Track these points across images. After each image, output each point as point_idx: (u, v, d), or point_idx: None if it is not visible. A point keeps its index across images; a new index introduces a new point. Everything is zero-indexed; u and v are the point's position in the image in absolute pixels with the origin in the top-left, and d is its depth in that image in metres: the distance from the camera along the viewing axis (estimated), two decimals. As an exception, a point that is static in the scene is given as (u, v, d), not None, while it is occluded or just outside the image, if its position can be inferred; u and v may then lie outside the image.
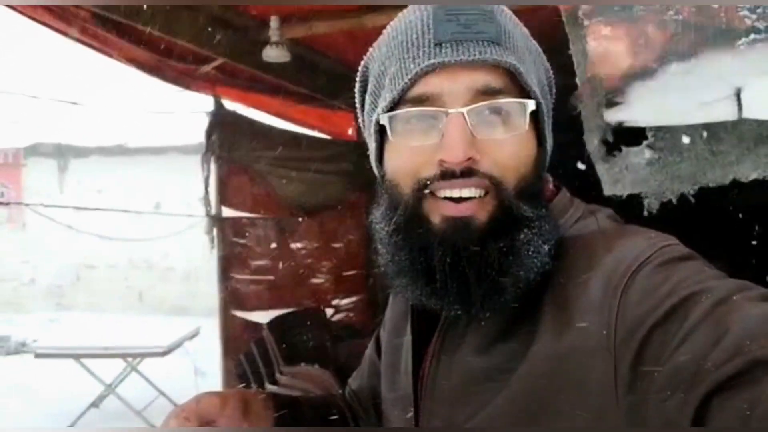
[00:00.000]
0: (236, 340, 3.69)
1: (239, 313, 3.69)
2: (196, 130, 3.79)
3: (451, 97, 0.72)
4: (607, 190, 1.03)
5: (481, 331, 0.77)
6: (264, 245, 3.90)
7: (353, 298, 4.91)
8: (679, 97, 0.99)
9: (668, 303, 0.63)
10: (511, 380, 0.72)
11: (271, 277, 3.94)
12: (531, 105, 0.74)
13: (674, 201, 0.96)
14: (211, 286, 4.05)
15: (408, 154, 0.75)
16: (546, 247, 0.73)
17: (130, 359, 5.39)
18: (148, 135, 10.11)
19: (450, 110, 0.72)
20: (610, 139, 1.02)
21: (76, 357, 5.22)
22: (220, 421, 0.84)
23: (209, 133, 3.55)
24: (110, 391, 5.25)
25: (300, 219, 4.23)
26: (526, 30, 0.80)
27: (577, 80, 1.07)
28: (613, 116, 1.04)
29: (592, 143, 1.04)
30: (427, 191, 0.74)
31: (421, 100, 0.73)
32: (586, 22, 1.02)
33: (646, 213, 0.97)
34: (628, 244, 0.71)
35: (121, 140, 10.71)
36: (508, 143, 0.73)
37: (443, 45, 0.72)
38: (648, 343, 0.63)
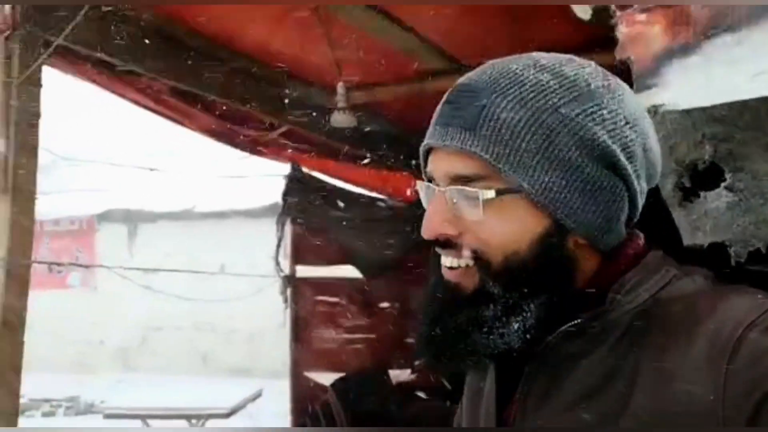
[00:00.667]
0: (305, 401, 3.67)
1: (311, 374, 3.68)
2: (264, 195, 3.89)
3: (440, 174, 0.78)
4: (687, 240, 1.00)
5: (568, 387, 0.75)
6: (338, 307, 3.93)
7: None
8: (726, 72, 0.93)
9: None
10: None
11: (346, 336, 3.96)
12: (487, 194, 0.74)
13: (763, 249, 0.90)
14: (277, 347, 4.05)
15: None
16: (517, 326, 0.75)
17: (194, 420, 5.44)
18: (214, 199, 10.42)
19: (437, 188, 0.79)
20: (687, 183, 0.98)
21: (143, 417, 5.30)
22: None
23: (285, 195, 3.66)
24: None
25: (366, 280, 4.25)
26: (546, 101, 0.73)
27: None
28: (648, 100, 0.98)
29: (665, 188, 1.01)
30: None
31: (427, 176, 0.81)
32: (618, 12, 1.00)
33: (733, 263, 0.91)
34: (733, 306, 0.69)
35: (189, 205, 11.06)
36: (487, 222, 0.75)
37: (436, 127, 0.78)
38: (762, 412, 0.61)
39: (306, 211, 3.78)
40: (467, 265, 0.77)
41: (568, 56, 0.79)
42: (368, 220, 4.37)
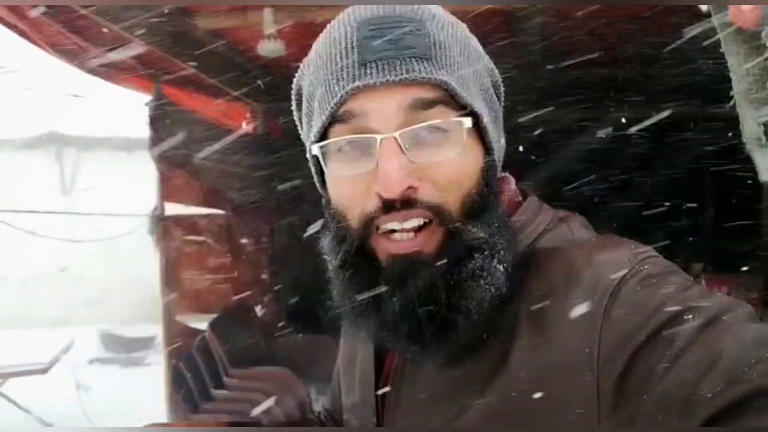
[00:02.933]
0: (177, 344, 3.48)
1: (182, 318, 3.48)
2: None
3: (381, 119, 0.68)
4: (764, 176, 1.17)
5: (450, 342, 0.71)
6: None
7: (269, 296, 4.82)
8: None
9: (654, 322, 0.61)
10: (484, 393, 0.69)
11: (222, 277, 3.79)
12: (468, 122, 0.69)
13: None
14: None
15: (347, 185, 0.72)
16: (501, 268, 0.69)
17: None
18: None
19: (381, 135, 0.67)
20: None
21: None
22: None
23: (152, 125, 3.32)
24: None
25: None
26: (463, 30, 0.75)
27: (734, 93, 1.19)
28: None
29: (752, 130, 1.16)
30: (373, 226, 0.70)
31: (351, 125, 0.69)
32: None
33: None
34: (609, 257, 0.68)
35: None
36: (447, 163, 0.69)
37: (368, 65, 0.67)
38: (634, 364, 0.60)
39: (170, 143, 3.48)
40: (424, 224, 0.69)
41: None
42: (228, 154, 4.17)
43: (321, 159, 0.73)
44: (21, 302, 9.84)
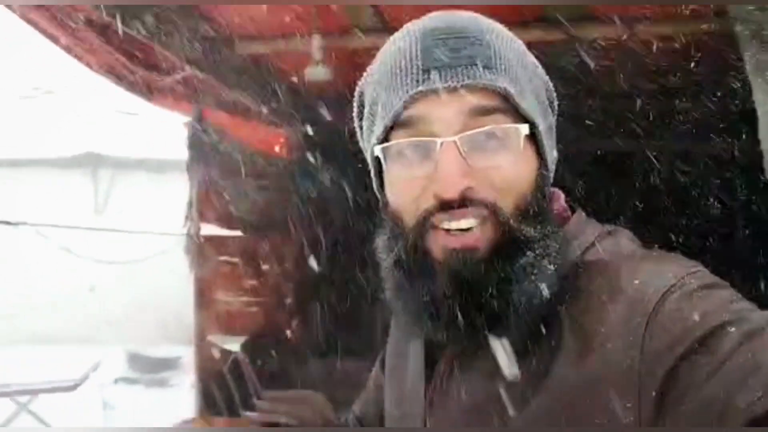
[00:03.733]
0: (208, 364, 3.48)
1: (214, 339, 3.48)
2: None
3: (442, 124, 0.70)
4: None
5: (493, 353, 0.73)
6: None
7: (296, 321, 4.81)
8: None
9: (697, 333, 0.61)
10: (528, 404, 0.70)
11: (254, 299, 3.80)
12: (525, 129, 0.72)
13: None
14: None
15: (405, 186, 0.74)
16: (552, 268, 0.71)
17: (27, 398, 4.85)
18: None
19: (442, 139, 0.70)
20: None
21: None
22: None
23: (191, 147, 3.36)
24: None
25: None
26: (521, 45, 0.78)
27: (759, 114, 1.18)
28: None
29: None
30: (429, 224, 0.72)
31: (413, 129, 0.72)
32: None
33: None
34: (654, 270, 0.69)
35: None
36: (504, 167, 0.71)
37: (431, 71, 0.70)
38: (675, 374, 0.61)
39: (208, 164, 3.53)
40: (479, 224, 0.71)
41: None
42: (256, 176, 4.21)
43: (383, 160, 0.75)
44: (51, 320, 9.95)
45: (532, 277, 0.70)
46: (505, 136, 0.71)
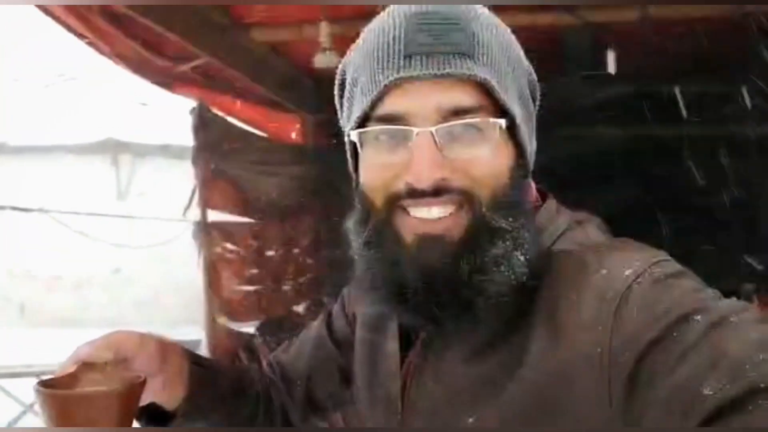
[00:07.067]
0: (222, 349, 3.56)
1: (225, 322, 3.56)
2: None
3: (420, 113, 0.70)
4: None
5: (468, 340, 0.75)
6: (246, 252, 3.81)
7: (306, 303, 4.89)
8: None
9: (664, 322, 0.62)
10: (501, 393, 0.71)
11: (255, 288, 3.86)
12: (503, 123, 0.72)
13: None
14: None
15: (378, 170, 0.74)
16: (523, 259, 0.72)
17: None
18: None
19: (418, 129, 0.70)
20: None
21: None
22: (136, 360, 0.80)
23: (196, 134, 3.42)
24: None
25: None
26: (505, 32, 0.78)
27: None
28: None
29: None
30: (397, 207, 0.73)
31: (390, 116, 0.71)
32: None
33: None
34: (621, 259, 0.70)
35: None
36: (480, 159, 0.71)
37: (413, 57, 0.69)
38: (643, 363, 0.62)
39: (214, 151, 3.58)
40: (453, 212, 0.71)
41: None
42: (265, 164, 4.26)
43: (358, 145, 0.76)
44: (75, 303, 10.18)
45: (503, 268, 0.71)
46: (483, 128, 0.71)
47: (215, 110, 3.83)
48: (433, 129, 0.69)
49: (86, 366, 0.76)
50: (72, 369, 0.76)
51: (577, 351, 0.67)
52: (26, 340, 7.79)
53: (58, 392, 0.71)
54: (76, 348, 0.79)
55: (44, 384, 0.71)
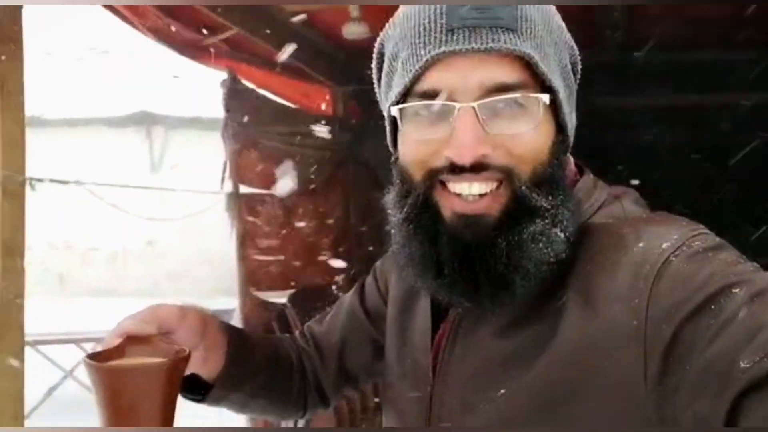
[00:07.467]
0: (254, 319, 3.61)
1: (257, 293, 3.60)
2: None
3: (462, 90, 0.69)
4: None
5: (501, 314, 0.74)
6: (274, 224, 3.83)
7: (338, 275, 4.91)
8: None
9: (702, 295, 0.61)
10: (533, 366, 0.70)
11: (286, 258, 3.88)
12: (545, 98, 0.71)
13: None
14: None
15: (418, 146, 0.73)
16: (562, 236, 0.71)
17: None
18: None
19: (460, 104, 0.69)
20: None
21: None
22: (178, 333, 0.83)
23: (227, 107, 3.42)
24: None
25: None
26: (548, 7, 0.76)
27: None
28: None
29: None
30: (437, 182, 0.72)
31: (432, 91, 0.70)
32: None
33: None
34: (658, 233, 0.69)
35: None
36: (522, 135, 0.70)
37: (455, 31, 0.68)
38: (680, 336, 0.61)
39: (243, 124, 3.58)
40: (493, 188, 0.71)
41: None
42: (291, 134, 4.26)
43: (398, 120, 0.75)
44: (111, 274, 10.41)
45: (541, 245, 0.70)
46: (526, 103, 0.70)
47: (245, 82, 3.82)
48: (475, 104, 0.68)
49: (131, 339, 0.78)
50: (118, 342, 0.77)
51: (613, 323, 0.66)
52: (65, 310, 8.04)
53: (108, 365, 0.72)
54: (120, 321, 0.80)
55: (92, 357, 0.73)
